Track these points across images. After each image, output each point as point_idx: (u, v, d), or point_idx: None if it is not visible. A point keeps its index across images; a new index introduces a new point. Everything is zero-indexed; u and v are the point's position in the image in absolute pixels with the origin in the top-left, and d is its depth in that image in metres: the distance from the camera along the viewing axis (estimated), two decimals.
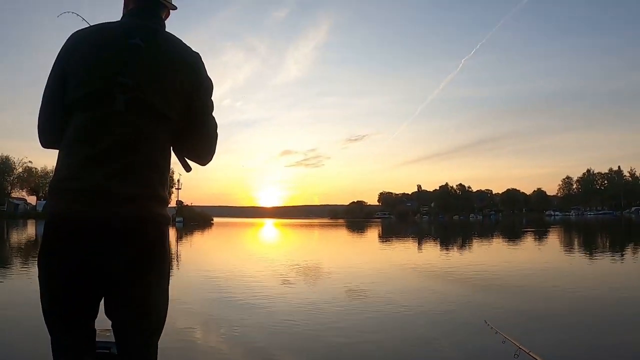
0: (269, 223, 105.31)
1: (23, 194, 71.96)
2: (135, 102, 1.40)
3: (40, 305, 1.41)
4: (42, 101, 1.52)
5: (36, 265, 1.41)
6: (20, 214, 62.45)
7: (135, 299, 1.42)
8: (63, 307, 1.39)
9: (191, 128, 1.56)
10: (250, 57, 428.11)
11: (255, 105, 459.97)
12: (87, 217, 1.32)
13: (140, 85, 1.41)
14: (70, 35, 1.53)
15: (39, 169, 74.37)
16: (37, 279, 1.41)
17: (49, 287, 1.38)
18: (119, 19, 1.61)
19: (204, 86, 1.59)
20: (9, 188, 71.30)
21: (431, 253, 18.73)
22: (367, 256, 17.36)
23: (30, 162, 72.56)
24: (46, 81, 1.52)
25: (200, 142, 1.63)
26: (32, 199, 73.12)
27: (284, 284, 9.43)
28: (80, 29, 1.57)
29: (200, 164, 1.70)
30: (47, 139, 1.56)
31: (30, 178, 74.67)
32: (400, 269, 12.39)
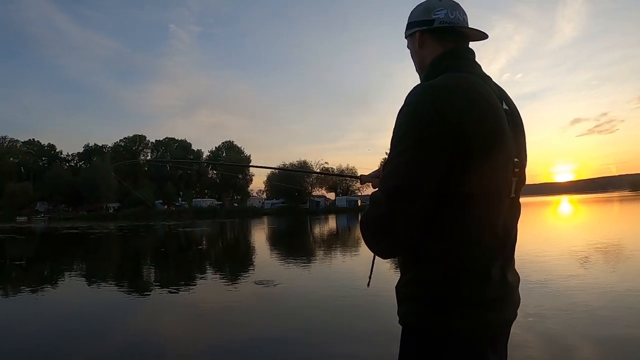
0: (563, 200, 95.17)
1: (322, 191, 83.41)
2: (518, 182, 1.20)
3: None
4: (407, 176, 1.07)
5: None
6: (321, 209, 72.25)
7: None
8: None
9: None
10: (520, 26, 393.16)
11: (535, 74, 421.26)
12: (500, 324, 1.18)
13: (521, 162, 1.21)
14: (441, 91, 1.10)
15: (335, 167, 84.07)
16: None
17: None
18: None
19: None
20: (310, 188, 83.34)
21: None
22: None
23: (326, 162, 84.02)
24: (408, 143, 1.08)
25: None
26: (330, 195, 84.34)
27: (582, 266, 8.85)
28: (448, 81, 1.14)
29: None
30: (405, 234, 1.11)
31: (328, 177, 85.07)
32: None
